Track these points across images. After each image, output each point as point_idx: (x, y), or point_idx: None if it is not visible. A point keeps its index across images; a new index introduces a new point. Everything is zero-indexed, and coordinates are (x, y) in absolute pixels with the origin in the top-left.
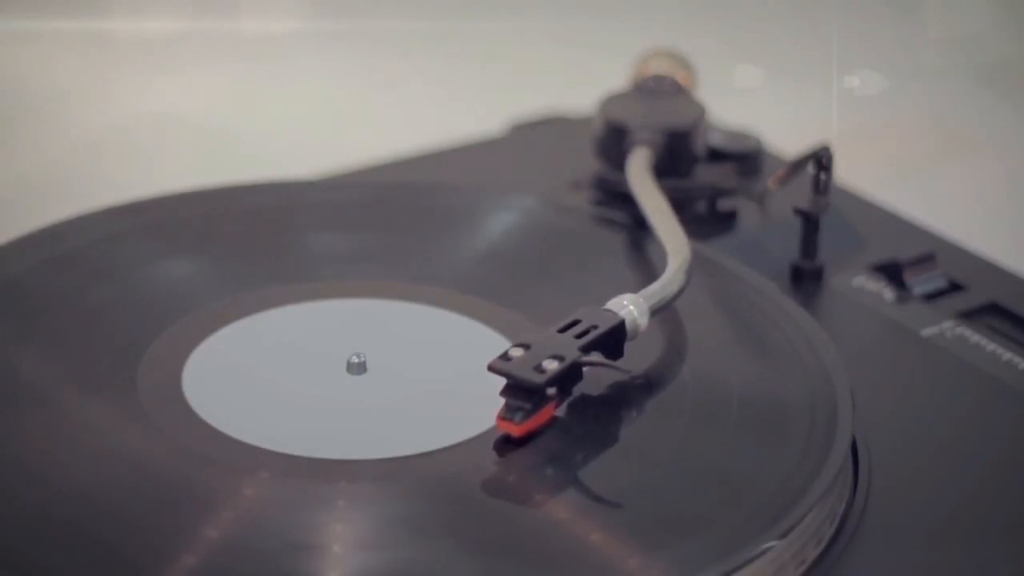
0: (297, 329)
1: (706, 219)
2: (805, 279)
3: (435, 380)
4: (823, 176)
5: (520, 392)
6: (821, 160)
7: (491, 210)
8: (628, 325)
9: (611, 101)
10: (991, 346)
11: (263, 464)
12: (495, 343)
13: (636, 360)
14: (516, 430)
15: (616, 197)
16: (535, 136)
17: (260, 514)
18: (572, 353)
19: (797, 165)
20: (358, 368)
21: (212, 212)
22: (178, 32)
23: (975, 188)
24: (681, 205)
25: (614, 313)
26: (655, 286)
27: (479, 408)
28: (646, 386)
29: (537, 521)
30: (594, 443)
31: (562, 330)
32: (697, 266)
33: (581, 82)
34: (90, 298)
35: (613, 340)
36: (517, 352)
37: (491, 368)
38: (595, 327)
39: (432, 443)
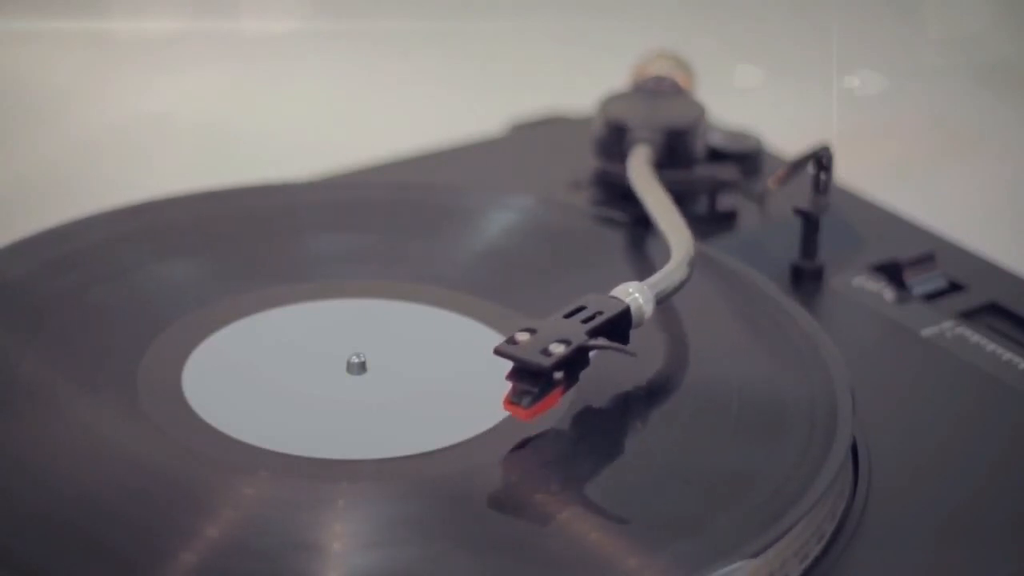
0: (297, 329)
1: (706, 219)
2: (805, 279)
3: (435, 380)
4: (823, 176)
5: (527, 376)
6: (821, 160)
7: (491, 210)
8: (633, 312)
9: (611, 101)
10: (991, 346)
11: (263, 464)
12: (495, 343)
13: (636, 359)
14: (523, 414)
15: (617, 196)
16: (535, 136)
17: (260, 514)
18: (579, 337)
19: (797, 165)
20: (358, 368)
21: (212, 213)
22: (178, 32)
23: (975, 188)
24: (681, 200)
25: (620, 300)
26: (659, 275)
27: (479, 408)
28: (645, 386)
29: (537, 521)
30: (593, 443)
31: (568, 315)
32: (697, 265)
33: (581, 82)
34: (90, 298)
35: (619, 327)
36: (523, 336)
37: (497, 351)
38: (600, 313)
39: (432, 443)
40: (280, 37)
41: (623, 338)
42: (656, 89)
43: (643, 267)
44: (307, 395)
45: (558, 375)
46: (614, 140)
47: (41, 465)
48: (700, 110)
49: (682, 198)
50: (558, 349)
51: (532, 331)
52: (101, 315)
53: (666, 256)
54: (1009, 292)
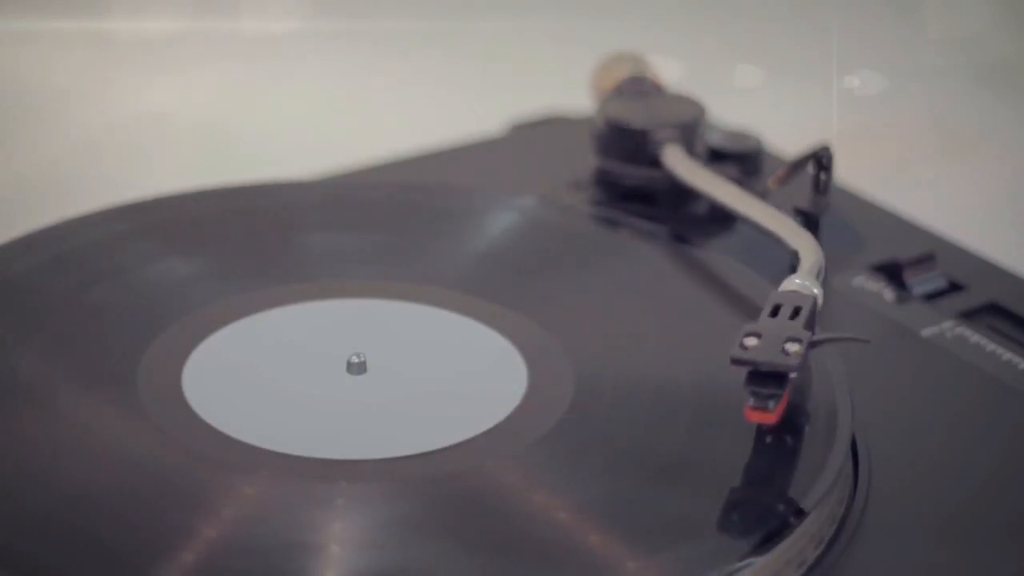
0: (297, 329)
1: (706, 219)
2: None
3: (435, 380)
4: (823, 176)
5: (765, 379)
6: (821, 160)
7: (491, 210)
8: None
9: (613, 102)
10: (991, 346)
11: (263, 464)
12: (495, 343)
13: (635, 359)
14: (772, 418)
15: (616, 196)
16: (535, 136)
17: (260, 514)
18: (804, 334)
19: (797, 165)
20: (358, 368)
21: (212, 212)
22: (178, 32)
23: (975, 188)
24: (682, 199)
25: (802, 293)
26: (809, 266)
27: (479, 408)
28: (645, 386)
29: (537, 521)
30: (594, 444)
31: (773, 314)
32: (697, 265)
33: (581, 82)
34: (90, 298)
35: (811, 317)
36: (752, 341)
37: (737, 360)
38: (800, 308)
39: (432, 443)
40: (280, 37)
41: (813, 327)
42: (640, 90)
43: (644, 267)
44: (307, 395)
45: (794, 374)
46: (633, 141)
47: (41, 465)
48: (700, 109)
49: (683, 198)
50: (794, 348)
51: (756, 335)
52: (101, 315)
53: (665, 256)
54: (1009, 292)
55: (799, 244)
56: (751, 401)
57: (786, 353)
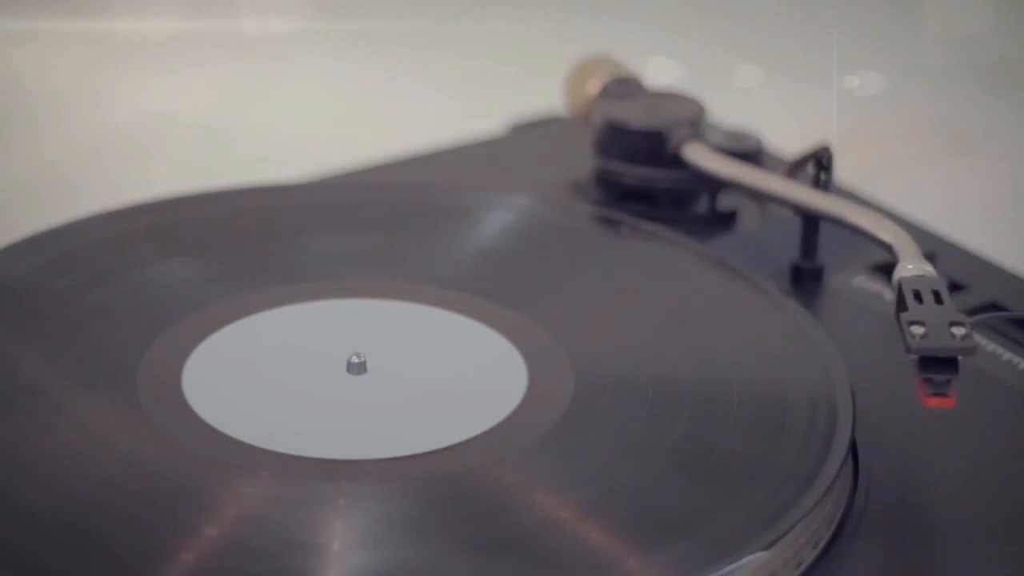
0: (297, 329)
1: (706, 219)
2: (805, 279)
3: (435, 380)
4: (823, 176)
5: (937, 366)
6: (821, 160)
7: (490, 210)
8: None
9: (608, 105)
10: (991, 346)
11: (263, 464)
12: (495, 343)
13: (635, 359)
14: (951, 402)
15: (616, 196)
16: (535, 136)
17: (260, 514)
18: (963, 317)
19: (797, 165)
20: (358, 368)
21: (212, 213)
22: (178, 32)
23: (975, 188)
24: (682, 200)
25: (926, 277)
26: (911, 248)
27: (479, 408)
28: (646, 386)
29: (537, 521)
30: (594, 443)
31: (919, 301)
32: (697, 264)
33: None
34: (90, 299)
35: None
36: (919, 330)
37: (912, 350)
38: (938, 291)
39: (432, 443)
40: (280, 37)
41: None
42: (628, 91)
43: (644, 266)
44: (307, 395)
45: (964, 356)
46: (643, 142)
47: (41, 465)
48: (700, 106)
49: (683, 198)
50: (960, 331)
51: (920, 323)
52: (101, 315)
53: (665, 255)
54: (1009, 292)
55: (879, 229)
56: (928, 389)
57: (954, 336)
